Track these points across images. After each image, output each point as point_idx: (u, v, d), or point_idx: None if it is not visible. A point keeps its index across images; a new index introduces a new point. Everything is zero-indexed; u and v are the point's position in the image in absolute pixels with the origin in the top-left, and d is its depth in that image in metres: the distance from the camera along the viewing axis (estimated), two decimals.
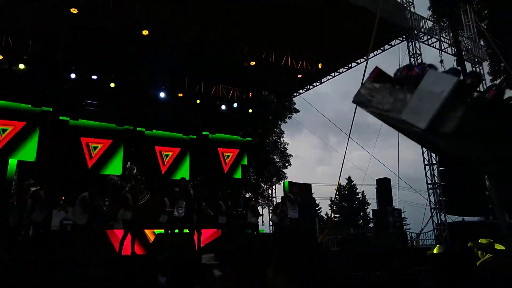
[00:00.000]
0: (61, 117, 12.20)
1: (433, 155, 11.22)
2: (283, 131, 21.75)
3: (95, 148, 12.60)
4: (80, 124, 12.51)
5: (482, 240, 4.17)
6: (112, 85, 12.41)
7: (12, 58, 11.33)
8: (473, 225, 11.78)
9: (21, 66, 11.12)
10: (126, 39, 10.88)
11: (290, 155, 21.63)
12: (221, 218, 9.81)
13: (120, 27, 10.21)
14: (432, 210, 11.03)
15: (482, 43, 15.16)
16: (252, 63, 12.52)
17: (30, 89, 11.81)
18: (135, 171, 11.17)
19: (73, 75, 11.88)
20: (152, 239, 8.99)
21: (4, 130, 10.98)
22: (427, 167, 11.23)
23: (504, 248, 4.32)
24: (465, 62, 13.31)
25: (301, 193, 13.00)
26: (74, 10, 9.07)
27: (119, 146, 12.91)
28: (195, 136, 14.85)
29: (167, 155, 14.03)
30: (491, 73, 18.18)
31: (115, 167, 12.64)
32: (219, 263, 5.17)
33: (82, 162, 12.20)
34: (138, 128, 13.59)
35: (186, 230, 9.17)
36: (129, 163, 10.69)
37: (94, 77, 12.18)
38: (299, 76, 14.00)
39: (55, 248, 6.63)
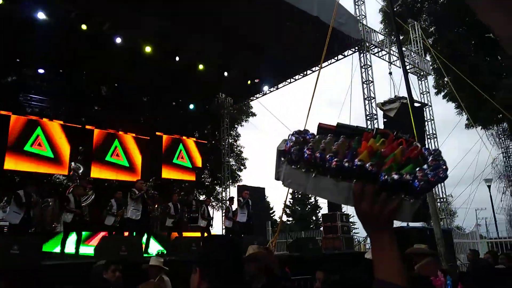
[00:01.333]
0: (2, 112, 11.47)
1: None
2: (239, 134, 21.84)
3: (39, 145, 11.95)
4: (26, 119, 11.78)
5: (419, 245, 4.41)
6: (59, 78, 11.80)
7: None
8: (415, 231, 12.40)
9: None
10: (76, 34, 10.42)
11: (246, 158, 21.74)
12: (168, 221, 9.59)
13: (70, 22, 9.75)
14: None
15: (428, 58, 16.13)
16: (210, 65, 12.44)
17: None
18: (80, 171, 10.70)
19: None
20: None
21: None
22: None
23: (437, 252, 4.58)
24: (412, 75, 14.11)
25: (255, 197, 13.15)
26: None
27: (65, 144, 12.32)
28: (148, 137, 14.51)
29: (118, 155, 13.59)
30: (436, 87, 19.41)
31: (60, 167, 12.04)
32: (168, 268, 5.06)
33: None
34: (87, 126, 13.05)
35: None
36: (73, 162, 10.22)
37: (40, 71, 11.53)
38: (256, 80, 14.12)
39: None
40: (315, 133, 1.38)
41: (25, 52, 11.25)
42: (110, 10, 10.07)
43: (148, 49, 11.46)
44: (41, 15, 9.35)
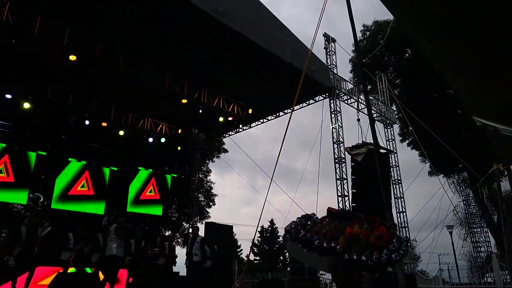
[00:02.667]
0: None
1: (347, 204, 11.99)
2: (210, 170, 21.77)
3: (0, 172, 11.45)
4: None
5: None
6: (27, 106, 11.48)
7: None
8: (381, 275, 12.48)
9: None
10: (52, 61, 10.38)
11: (215, 195, 21.56)
12: (127, 259, 9.14)
13: (46, 48, 9.72)
14: None
15: (394, 107, 17.03)
16: (184, 101, 12.57)
17: None
18: (41, 201, 10.26)
19: None
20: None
21: None
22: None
23: None
24: (378, 123, 14.79)
25: (222, 234, 12.98)
26: None
27: (26, 172, 11.86)
28: (115, 168, 14.22)
29: (82, 186, 13.17)
30: (401, 135, 20.36)
31: (19, 196, 11.51)
32: None
33: None
34: (53, 156, 12.68)
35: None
36: (31, 194, 9.81)
37: (8, 96, 11.24)
38: (229, 118, 14.35)
39: None
40: (321, 216, 2.32)
41: None
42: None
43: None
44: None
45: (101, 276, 8.79)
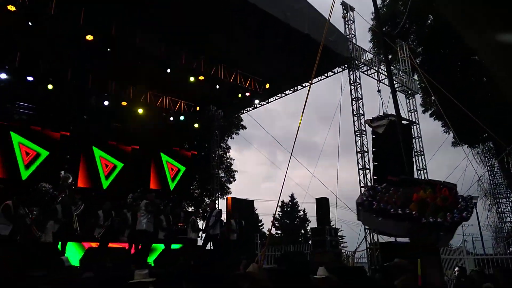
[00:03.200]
0: None
1: (368, 177, 11.89)
2: (229, 146, 21.91)
3: (27, 154, 11.81)
4: (13, 128, 11.66)
5: (399, 260, 4.49)
6: (50, 87, 11.69)
7: None
8: (403, 246, 12.49)
9: None
10: (69, 42, 10.44)
11: (235, 171, 21.77)
12: (160, 233, 9.50)
13: (63, 30, 9.76)
14: (366, 230, 11.59)
15: (415, 77, 16.51)
16: (201, 78, 12.53)
17: None
18: (70, 181, 10.58)
19: (3, 75, 11.03)
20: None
21: None
22: (363, 189, 11.85)
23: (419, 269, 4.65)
24: (400, 93, 14.41)
25: (243, 209, 13.18)
26: (11, 7, 8.54)
27: (54, 153, 12.21)
28: (137, 147, 14.46)
29: (106, 165, 13.49)
30: (423, 105, 19.81)
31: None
32: (153, 280, 5.02)
33: (15, 171, 11.36)
34: (76, 135, 12.98)
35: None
36: (63, 172, 10.09)
37: (30, 78, 11.44)
38: (247, 94, 14.25)
39: None
40: (383, 186, 2.49)
41: (14, 59, 11.22)
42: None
43: None
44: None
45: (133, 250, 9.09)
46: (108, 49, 10.38)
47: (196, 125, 15.72)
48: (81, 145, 13.22)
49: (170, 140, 15.72)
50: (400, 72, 15.05)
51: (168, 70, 12.15)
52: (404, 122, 13.32)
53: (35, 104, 13.07)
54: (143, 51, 11.05)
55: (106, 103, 12.97)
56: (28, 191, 10.00)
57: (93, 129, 13.92)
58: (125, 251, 8.92)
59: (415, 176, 13.51)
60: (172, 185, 15.03)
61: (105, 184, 13.21)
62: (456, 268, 9.07)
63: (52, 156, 12.21)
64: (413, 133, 14.55)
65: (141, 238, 8.55)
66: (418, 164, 14.44)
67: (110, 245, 8.97)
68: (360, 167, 11.97)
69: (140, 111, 13.72)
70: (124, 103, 13.37)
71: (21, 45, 10.72)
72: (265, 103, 16.22)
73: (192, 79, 12.47)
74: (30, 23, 9.10)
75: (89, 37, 9.93)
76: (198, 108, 15.74)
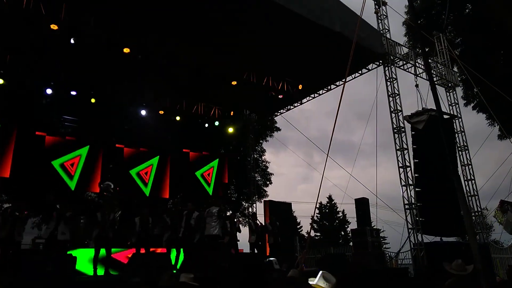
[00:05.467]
0: (37, 133, 12.02)
1: (410, 175, 11.48)
2: (265, 150, 21.93)
3: (72, 165, 12.39)
4: (55, 141, 12.26)
5: (456, 262, 4.31)
6: (93, 100, 12.27)
7: None
8: (449, 245, 11.98)
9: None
10: (108, 55, 10.88)
11: (271, 174, 21.75)
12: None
13: (102, 44, 10.19)
14: (409, 230, 11.20)
15: (455, 69, 15.81)
16: (234, 82, 12.66)
17: (6, 104, 11.62)
18: (111, 188, 11.01)
19: (49, 91, 11.67)
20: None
21: None
22: (404, 188, 11.46)
23: (470, 270, 4.44)
24: (439, 87, 13.85)
25: (281, 212, 13.17)
26: (54, 27, 9.03)
27: (97, 163, 12.73)
28: (176, 154, 14.80)
29: (146, 173, 13.90)
30: (465, 98, 18.91)
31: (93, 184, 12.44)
32: (197, 284, 5.09)
33: (63, 184, 11.94)
34: (117, 145, 13.48)
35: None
36: (103, 182, 10.57)
37: (73, 93, 12.04)
38: (280, 96, 14.23)
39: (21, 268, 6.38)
40: None
41: (58, 74, 11.85)
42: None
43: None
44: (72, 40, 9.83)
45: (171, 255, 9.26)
46: (140, 57, 10.70)
47: (230, 130, 15.88)
48: (121, 154, 13.68)
49: (205, 146, 15.96)
50: (439, 65, 14.46)
51: (202, 77, 12.41)
52: (445, 116, 12.78)
53: (79, 117, 13.71)
54: (177, 59, 11.31)
55: (143, 112, 13.40)
56: (76, 200, 10.50)
57: (133, 139, 14.40)
58: (165, 256, 9.12)
59: (459, 172, 12.90)
60: (210, 190, 15.24)
61: (146, 191, 13.59)
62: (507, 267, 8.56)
63: (95, 166, 12.72)
64: (455, 127, 13.93)
65: (213, 243, 8.90)
66: (462, 160, 13.79)
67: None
68: (400, 165, 11.58)
69: (178, 118, 14.10)
70: (161, 112, 13.77)
71: (63, 60, 11.27)
72: (298, 104, 16.11)
73: (225, 84, 12.64)
74: (72, 40, 9.57)
75: (126, 50, 10.31)
76: (232, 113, 15.90)
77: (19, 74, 11.38)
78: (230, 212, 18.93)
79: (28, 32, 9.82)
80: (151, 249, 9.25)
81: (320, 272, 3.33)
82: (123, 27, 10.07)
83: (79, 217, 10.06)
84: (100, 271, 8.25)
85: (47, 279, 6.07)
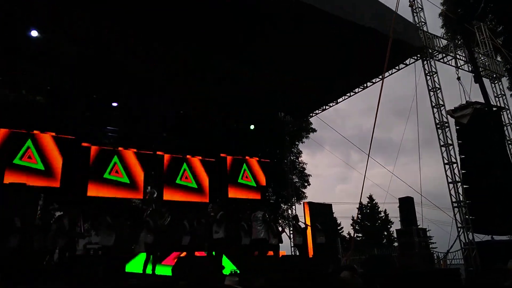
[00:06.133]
0: (83, 144, 12.60)
1: (456, 172, 11.01)
2: (301, 151, 21.77)
3: (116, 172, 12.87)
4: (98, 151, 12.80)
5: None
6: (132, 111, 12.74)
7: (32, 89, 11.90)
8: (503, 244, 11.35)
9: (40, 98, 11.60)
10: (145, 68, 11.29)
11: (309, 175, 21.54)
12: (244, 239, 9.77)
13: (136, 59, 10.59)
14: (459, 229, 10.71)
15: (499, 59, 15.02)
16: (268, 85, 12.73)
17: (52, 119, 12.27)
18: (155, 195, 11.36)
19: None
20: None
21: (28, 157, 11.39)
22: (451, 185, 10.98)
23: None
24: (484, 78, 13.19)
25: (322, 213, 13.03)
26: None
27: (139, 170, 13.15)
28: (213, 159, 15.00)
29: (186, 178, 14.18)
30: (511, 88, 17.92)
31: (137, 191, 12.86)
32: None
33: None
34: (158, 153, 13.86)
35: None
36: (149, 187, 10.89)
37: (114, 104, 12.57)
38: (314, 96, 14.11)
39: (77, 273, 6.69)
40: None
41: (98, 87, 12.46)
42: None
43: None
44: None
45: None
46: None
47: (252, 127, 15.76)
48: (161, 162, 14.04)
49: (242, 150, 16.07)
50: (481, 55, 13.79)
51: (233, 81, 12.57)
52: (493, 108, 12.16)
53: (119, 127, 14.23)
54: (212, 68, 11.54)
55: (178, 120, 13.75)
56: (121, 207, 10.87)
57: (171, 146, 14.74)
58: (208, 259, 9.25)
59: None
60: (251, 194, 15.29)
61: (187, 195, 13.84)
62: None
63: (137, 173, 13.15)
64: (503, 119, 13.21)
65: (260, 247, 9.16)
66: (511, 153, 13.03)
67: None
68: (446, 161, 11.12)
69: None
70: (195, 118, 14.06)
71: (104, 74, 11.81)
72: (334, 103, 15.89)
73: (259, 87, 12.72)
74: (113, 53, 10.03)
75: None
76: (267, 116, 15.93)
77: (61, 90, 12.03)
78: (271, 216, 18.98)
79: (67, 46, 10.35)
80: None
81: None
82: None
83: (127, 224, 10.42)
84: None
85: (98, 284, 6.32)
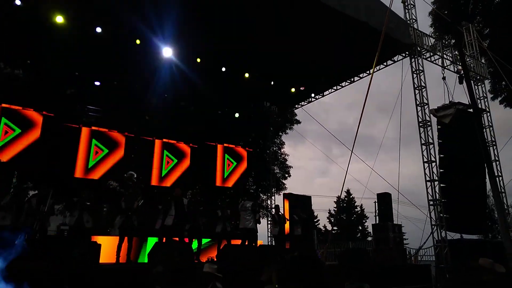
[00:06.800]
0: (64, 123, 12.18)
1: (435, 171, 11.19)
2: (284, 142, 21.78)
3: (96, 153, 12.51)
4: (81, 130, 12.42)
5: (484, 260, 4.11)
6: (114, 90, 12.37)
7: (13, 63, 11.37)
8: (473, 243, 11.70)
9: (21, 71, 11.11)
10: (127, 47, 10.93)
11: (290, 167, 21.61)
12: (218, 226, 9.68)
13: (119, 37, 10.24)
14: (433, 226, 10.95)
15: (483, 61, 15.26)
16: (246, 75, 12.57)
17: (32, 94, 11.80)
18: (134, 177, 11.15)
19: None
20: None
21: (5, 133, 10.92)
22: (428, 183, 11.18)
23: (504, 270, 4.24)
24: None
25: (300, 205, 13.08)
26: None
27: (120, 152, 12.84)
28: (196, 145, 14.79)
29: (167, 162, 13.93)
30: (492, 91, 18.31)
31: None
32: (221, 275, 5.06)
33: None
34: (140, 136, 13.55)
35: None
36: (128, 172, 10.70)
37: (97, 83, 12.17)
38: (301, 88, 14.03)
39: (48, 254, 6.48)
40: None
41: (82, 65, 12.00)
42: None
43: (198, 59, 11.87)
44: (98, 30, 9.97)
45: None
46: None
47: (236, 115, 15.53)
48: (144, 144, 13.74)
49: (225, 137, 15.92)
50: (467, 56, 13.97)
51: (223, 69, 12.35)
52: (472, 110, 12.36)
53: (101, 107, 13.85)
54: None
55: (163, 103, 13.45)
56: (99, 189, 10.63)
57: (154, 129, 14.45)
58: (187, 245, 9.15)
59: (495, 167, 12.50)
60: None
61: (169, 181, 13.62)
62: None
63: (117, 155, 12.83)
64: (483, 121, 13.49)
65: (249, 236, 9.20)
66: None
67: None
68: (425, 159, 11.29)
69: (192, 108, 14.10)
70: (182, 103, 13.79)
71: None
72: (320, 96, 15.88)
73: (246, 75, 12.53)
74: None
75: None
76: (252, 105, 15.80)
77: (43, 65, 11.56)
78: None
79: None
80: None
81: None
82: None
83: (102, 206, 10.22)
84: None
85: (72, 265, 6.15)
